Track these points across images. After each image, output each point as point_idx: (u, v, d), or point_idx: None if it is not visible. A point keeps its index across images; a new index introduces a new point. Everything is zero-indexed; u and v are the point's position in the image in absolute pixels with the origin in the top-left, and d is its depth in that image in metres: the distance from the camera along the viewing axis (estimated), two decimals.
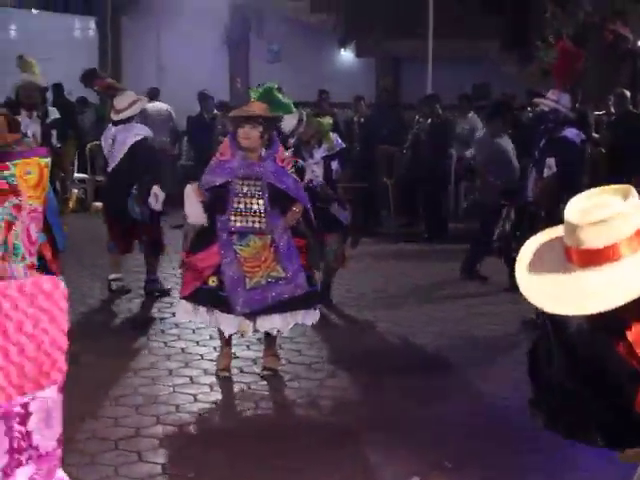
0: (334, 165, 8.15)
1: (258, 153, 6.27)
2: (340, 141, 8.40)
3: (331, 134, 8.26)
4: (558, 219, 7.23)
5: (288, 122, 7.63)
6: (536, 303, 2.21)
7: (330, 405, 6.03)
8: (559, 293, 2.18)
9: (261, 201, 6.23)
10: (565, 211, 2.22)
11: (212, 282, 6.21)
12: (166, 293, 8.58)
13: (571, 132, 7.85)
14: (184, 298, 6.38)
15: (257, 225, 6.22)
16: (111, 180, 8.78)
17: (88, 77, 9.99)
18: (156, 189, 8.22)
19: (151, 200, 8.21)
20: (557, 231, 2.34)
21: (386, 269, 10.30)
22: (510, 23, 15.48)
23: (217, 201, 6.30)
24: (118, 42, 18.07)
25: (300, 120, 7.85)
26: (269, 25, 18.03)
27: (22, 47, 18.08)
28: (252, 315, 6.22)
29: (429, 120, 12.50)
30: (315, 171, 7.99)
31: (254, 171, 6.24)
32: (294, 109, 7.01)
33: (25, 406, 2.26)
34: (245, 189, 6.23)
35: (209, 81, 17.60)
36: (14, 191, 4.74)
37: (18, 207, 4.73)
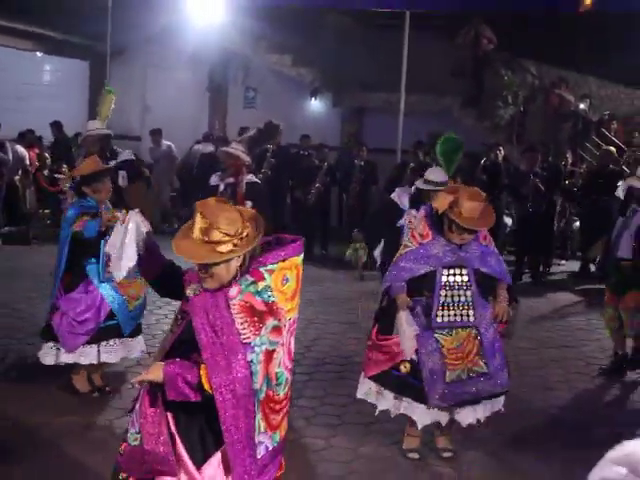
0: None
1: None
2: None
3: None
4: None
5: (438, 174, 6.73)
6: None
7: None
8: None
9: (469, 292, 5.38)
10: None
11: (404, 368, 5.46)
12: None
13: None
14: (370, 378, 5.66)
15: (465, 319, 5.39)
16: None
17: None
18: None
19: None
20: None
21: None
22: (470, 83, 16.28)
23: (418, 287, 5.46)
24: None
25: (448, 181, 6.69)
26: (247, 74, 18.41)
27: (21, 86, 18.27)
28: (449, 407, 5.51)
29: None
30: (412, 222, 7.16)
31: (459, 258, 5.40)
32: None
33: None
34: (452, 280, 5.37)
35: (190, 122, 17.96)
36: (271, 311, 3.46)
37: (277, 330, 3.47)
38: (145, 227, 3.88)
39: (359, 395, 5.81)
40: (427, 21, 15.71)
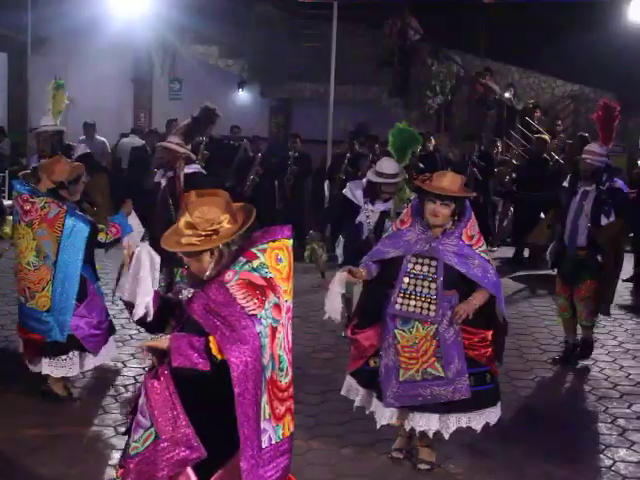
0: (387, 224, 7.18)
1: (443, 228, 5.08)
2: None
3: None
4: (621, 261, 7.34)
5: (389, 166, 7.09)
6: None
7: None
8: None
9: (433, 285, 4.98)
10: None
11: (374, 363, 5.23)
12: None
13: (620, 182, 7.58)
14: (350, 374, 5.43)
15: (425, 312, 4.99)
16: None
17: None
18: None
19: None
20: None
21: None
22: (397, 73, 16.20)
23: (387, 274, 5.17)
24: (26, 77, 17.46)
25: (399, 174, 7.10)
26: (173, 65, 17.95)
27: None
28: (406, 408, 5.18)
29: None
30: (370, 217, 7.40)
31: (431, 248, 5.02)
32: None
33: None
34: (417, 269, 5.02)
35: (114, 114, 17.38)
36: (271, 286, 3.40)
37: (277, 308, 3.41)
38: (157, 257, 3.70)
39: (342, 392, 5.52)
40: (354, 11, 15.58)
